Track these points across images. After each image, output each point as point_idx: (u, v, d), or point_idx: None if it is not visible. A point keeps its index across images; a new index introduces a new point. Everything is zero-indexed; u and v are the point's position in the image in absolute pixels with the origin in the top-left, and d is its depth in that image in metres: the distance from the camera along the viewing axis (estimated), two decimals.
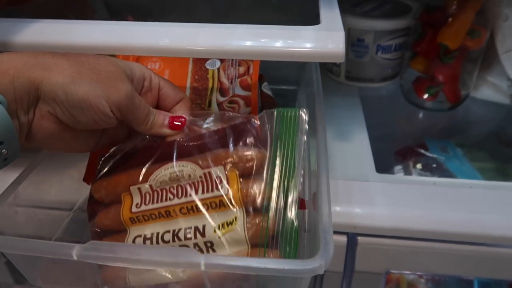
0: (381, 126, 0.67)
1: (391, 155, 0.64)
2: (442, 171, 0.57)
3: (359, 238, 0.43)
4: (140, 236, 0.30)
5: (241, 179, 0.29)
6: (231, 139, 0.30)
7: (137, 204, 0.30)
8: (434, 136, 0.65)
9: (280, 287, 0.29)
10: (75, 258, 0.26)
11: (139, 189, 0.31)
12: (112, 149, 0.33)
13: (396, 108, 0.68)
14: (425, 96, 0.61)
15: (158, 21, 0.34)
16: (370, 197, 0.44)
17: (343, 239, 0.43)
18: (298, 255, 0.29)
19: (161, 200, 0.30)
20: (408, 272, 0.47)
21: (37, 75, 0.27)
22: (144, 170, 0.31)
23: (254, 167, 0.29)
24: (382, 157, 0.61)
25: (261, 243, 0.28)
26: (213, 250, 0.29)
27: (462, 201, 0.44)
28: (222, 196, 0.29)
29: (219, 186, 0.29)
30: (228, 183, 0.29)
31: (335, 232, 0.43)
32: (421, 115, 0.65)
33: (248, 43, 0.30)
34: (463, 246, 0.42)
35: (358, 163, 0.49)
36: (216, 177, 0.29)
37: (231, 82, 0.45)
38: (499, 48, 0.55)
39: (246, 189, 0.29)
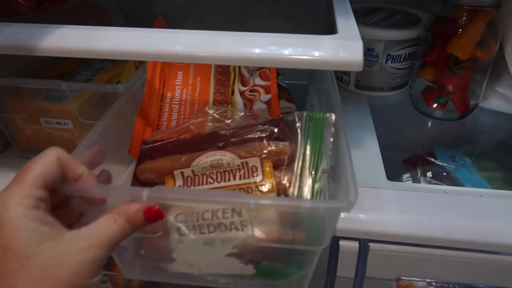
0: (390, 135, 0.68)
1: (399, 163, 0.64)
2: (450, 180, 0.57)
3: (370, 244, 0.44)
4: (181, 214, 0.32)
5: (275, 171, 0.33)
6: (265, 134, 0.34)
7: (179, 186, 0.34)
8: (442, 145, 0.65)
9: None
10: (145, 198, 0.29)
11: (181, 173, 0.34)
12: (153, 136, 0.37)
13: (405, 117, 0.69)
14: (435, 105, 0.62)
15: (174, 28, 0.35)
16: (381, 204, 0.45)
17: (355, 245, 0.44)
18: (321, 237, 0.32)
19: (202, 184, 0.33)
20: (418, 279, 0.47)
21: None
22: (187, 156, 0.34)
23: (286, 160, 0.33)
24: (390, 165, 0.61)
25: (289, 224, 0.32)
26: (247, 229, 0.31)
27: (472, 209, 0.44)
28: (257, 182, 0.32)
29: (255, 174, 0.32)
30: (262, 172, 0.33)
31: (347, 238, 0.44)
32: (429, 124, 0.66)
33: (271, 51, 0.31)
34: (473, 254, 0.42)
35: (369, 170, 0.50)
36: (252, 166, 0.33)
37: (251, 74, 0.48)
38: (508, 59, 0.56)
39: (278, 178, 0.33)
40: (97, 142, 0.38)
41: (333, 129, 0.35)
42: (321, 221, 0.32)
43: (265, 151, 0.33)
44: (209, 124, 0.38)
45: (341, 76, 0.69)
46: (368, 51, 0.64)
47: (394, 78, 0.66)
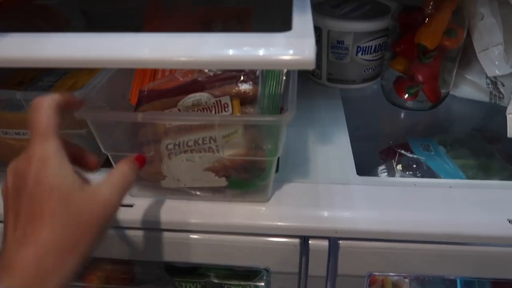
0: (364, 127, 0.67)
1: (375, 154, 0.64)
2: (424, 170, 0.57)
3: (340, 242, 0.43)
4: (171, 143, 0.41)
5: (241, 106, 0.41)
6: (234, 78, 0.42)
7: (168, 123, 0.41)
8: (417, 135, 0.65)
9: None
10: (139, 120, 0.38)
11: (170, 111, 0.42)
12: (148, 87, 0.45)
13: (379, 108, 0.68)
14: (406, 96, 0.61)
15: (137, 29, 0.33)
16: (350, 201, 0.44)
17: (325, 243, 0.43)
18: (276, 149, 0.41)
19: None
20: (391, 274, 0.47)
21: None
22: (174, 98, 0.42)
23: (250, 97, 0.42)
24: (366, 157, 0.61)
25: (252, 146, 0.41)
26: (220, 151, 0.41)
27: (441, 201, 0.44)
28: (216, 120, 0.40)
29: (226, 109, 0.41)
30: (232, 106, 0.41)
31: (317, 237, 0.43)
32: (403, 114, 0.66)
33: (219, 53, 0.29)
34: (443, 246, 0.42)
35: (340, 166, 0.50)
36: (224, 103, 0.41)
37: None
38: (476, 46, 0.55)
39: (244, 111, 0.41)
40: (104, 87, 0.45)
41: (284, 78, 0.43)
42: (274, 134, 0.40)
43: (234, 91, 0.41)
44: (195, 74, 0.46)
45: (313, 70, 0.69)
46: (338, 44, 0.63)
47: (366, 70, 0.65)
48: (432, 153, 0.60)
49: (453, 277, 0.49)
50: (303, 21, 0.35)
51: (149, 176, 0.44)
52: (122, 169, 0.35)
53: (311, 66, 0.30)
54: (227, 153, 0.41)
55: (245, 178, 0.44)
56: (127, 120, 0.42)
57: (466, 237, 0.41)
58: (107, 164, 0.50)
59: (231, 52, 0.29)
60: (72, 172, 0.31)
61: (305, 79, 0.70)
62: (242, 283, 0.59)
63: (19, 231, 0.30)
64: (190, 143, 0.41)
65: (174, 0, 0.61)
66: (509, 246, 0.41)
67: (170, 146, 0.41)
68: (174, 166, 0.43)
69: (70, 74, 0.57)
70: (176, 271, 0.60)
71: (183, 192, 0.46)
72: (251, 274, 0.58)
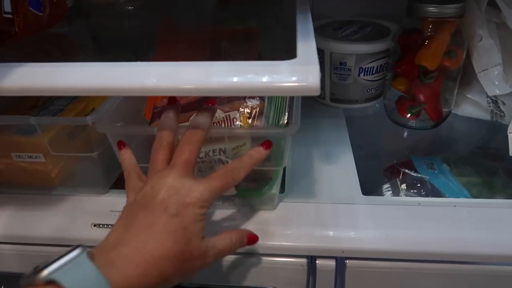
0: (368, 145, 0.68)
1: (379, 173, 0.65)
2: (428, 189, 0.57)
3: (347, 261, 0.44)
4: None
5: (249, 119, 0.44)
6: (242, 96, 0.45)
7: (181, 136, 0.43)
8: (420, 153, 0.66)
9: None
10: (155, 133, 0.39)
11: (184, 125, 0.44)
12: (161, 103, 0.47)
13: (382, 127, 0.69)
14: (408, 115, 0.62)
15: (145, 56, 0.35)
16: (356, 220, 0.45)
17: (332, 263, 0.44)
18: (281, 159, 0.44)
19: None
20: None
21: None
22: (186, 114, 0.45)
23: (257, 112, 0.44)
24: (371, 175, 0.62)
25: None
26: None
27: (446, 220, 0.45)
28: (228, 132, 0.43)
29: (235, 123, 0.44)
30: (240, 121, 0.44)
31: (324, 257, 0.44)
32: (406, 133, 0.67)
33: (226, 81, 0.31)
34: (448, 265, 0.42)
35: (344, 185, 0.50)
36: (233, 117, 0.44)
37: None
38: (476, 67, 0.57)
39: (251, 125, 0.44)
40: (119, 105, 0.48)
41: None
42: (280, 145, 0.43)
43: (242, 106, 0.44)
44: None
45: None
46: (340, 65, 0.64)
47: (368, 90, 0.67)
48: (436, 171, 0.61)
49: None
50: (307, 48, 0.36)
51: None
52: (230, 241, 0.38)
53: (316, 93, 0.31)
54: None
55: (253, 188, 0.47)
56: (143, 133, 0.46)
57: (472, 256, 0.42)
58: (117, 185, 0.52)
59: (239, 80, 0.31)
60: (203, 218, 0.35)
61: (309, 99, 0.72)
62: None
63: (128, 234, 0.32)
64: (202, 155, 0.44)
65: (185, 20, 0.63)
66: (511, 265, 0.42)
67: None
68: None
69: (81, 98, 0.58)
70: None
71: None
72: None
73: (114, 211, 0.48)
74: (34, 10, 0.42)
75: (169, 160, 0.37)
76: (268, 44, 0.60)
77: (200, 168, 0.45)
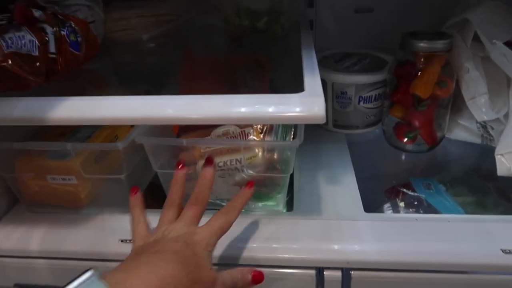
0: (369, 168, 0.73)
1: (380, 193, 0.69)
2: (425, 207, 0.62)
3: (352, 272, 0.48)
4: None
5: (261, 134, 0.52)
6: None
7: (204, 148, 0.52)
8: (418, 175, 0.71)
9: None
10: (184, 144, 0.49)
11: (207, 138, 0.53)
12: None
13: (382, 151, 0.74)
14: (405, 140, 0.68)
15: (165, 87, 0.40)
16: (359, 235, 0.50)
17: (338, 274, 0.48)
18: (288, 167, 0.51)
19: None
20: None
21: None
22: (208, 130, 0.52)
23: (268, 128, 0.52)
24: (372, 195, 0.66)
25: (270, 167, 0.52)
26: (245, 171, 0.51)
27: (441, 234, 0.49)
28: (245, 144, 0.51)
29: (249, 137, 0.51)
30: (254, 135, 0.51)
31: (330, 268, 0.48)
32: (403, 156, 0.72)
33: (247, 111, 0.37)
34: (443, 275, 0.47)
35: (347, 204, 0.55)
36: (247, 132, 0.51)
37: None
38: (465, 95, 0.62)
39: (263, 139, 0.50)
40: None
41: None
42: (287, 156, 0.51)
43: (254, 124, 0.52)
44: None
45: None
46: (342, 94, 0.70)
47: (368, 117, 0.72)
48: (432, 191, 0.65)
49: None
50: (313, 82, 0.42)
51: (187, 191, 0.53)
52: (237, 276, 0.40)
53: (322, 121, 0.37)
54: (250, 172, 0.52)
55: (264, 191, 0.54)
56: (174, 144, 0.52)
57: (464, 265, 0.46)
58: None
59: (256, 110, 0.37)
60: (211, 254, 0.39)
61: (314, 126, 0.77)
62: None
63: (139, 263, 0.35)
64: (221, 164, 0.51)
65: (202, 53, 0.69)
66: (503, 274, 0.46)
67: None
68: None
69: (105, 126, 0.64)
70: None
71: (214, 203, 0.56)
72: None
73: None
74: (73, 50, 0.49)
75: (177, 217, 0.42)
76: (277, 71, 0.66)
77: (220, 175, 0.52)
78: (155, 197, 0.59)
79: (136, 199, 0.45)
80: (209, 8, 0.72)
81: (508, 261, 0.45)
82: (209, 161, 0.45)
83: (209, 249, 0.39)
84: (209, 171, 0.44)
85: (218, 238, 0.41)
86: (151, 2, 0.68)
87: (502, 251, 0.46)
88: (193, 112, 0.37)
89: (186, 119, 0.38)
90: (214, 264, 0.49)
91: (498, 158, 0.55)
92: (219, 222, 0.41)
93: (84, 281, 0.31)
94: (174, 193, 0.44)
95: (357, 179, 0.60)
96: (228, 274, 0.40)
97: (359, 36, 0.83)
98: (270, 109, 0.37)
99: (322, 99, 0.38)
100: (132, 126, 0.62)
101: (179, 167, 0.45)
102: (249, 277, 0.41)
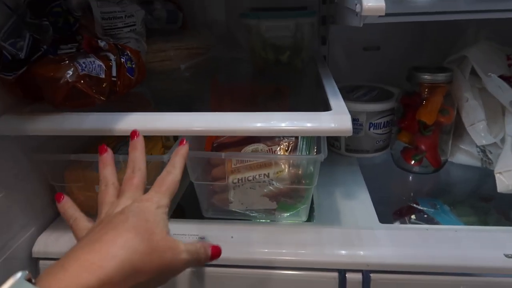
0: (379, 189, 0.79)
1: (389, 214, 0.75)
2: (434, 223, 0.68)
3: (372, 275, 0.53)
4: (235, 178, 0.57)
5: (286, 152, 0.58)
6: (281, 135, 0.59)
7: (235, 163, 0.57)
8: (424, 195, 0.77)
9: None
10: (223, 157, 0.55)
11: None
12: (217, 141, 0.61)
13: (390, 173, 0.81)
14: (412, 162, 0.75)
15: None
16: (377, 241, 0.55)
17: (359, 276, 0.53)
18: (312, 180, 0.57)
19: (247, 161, 0.57)
20: None
21: None
22: (238, 147, 0.59)
23: (292, 146, 0.58)
24: (383, 215, 0.72)
25: (295, 180, 0.57)
26: (273, 184, 0.57)
27: (449, 241, 0.55)
28: (277, 158, 0.57)
29: (276, 153, 0.57)
30: (281, 153, 0.57)
31: (352, 271, 0.54)
32: (410, 178, 0.78)
33: (288, 125, 0.44)
34: (453, 277, 0.52)
35: (364, 216, 0.61)
36: (274, 150, 0.58)
37: None
38: (465, 122, 0.70)
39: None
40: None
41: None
42: (311, 169, 0.57)
43: (281, 142, 0.58)
44: None
45: (333, 143, 0.83)
46: (354, 121, 0.78)
47: (377, 142, 0.80)
48: (438, 210, 0.72)
49: None
50: (338, 103, 0.50)
51: (219, 201, 0.61)
52: (200, 249, 0.39)
53: (349, 133, 0.44)
54: (278, 184, 0.57)
55: (290, 203, 0.60)
56: (214, 156, 0.58)
57: (471, 268, 0.52)
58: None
59: (296, 124, 0.44)
60: (165, 215, 0.38)
61: (328, 150, 0.84)
62: None
63: (95, 235, 0.33)
64: (250, 178, 0.57)
65: (229, 82, 0.77)
66: (506, 276, 0.51)
67: (235, 181, 0.58)
68: (240, 193, 0.59)
69: (147, 140, 0.71)
70: None
71: (243, 214, 0.61)
72: None
73: (176, 234, 0.58)
74: (129, 75, 0.56)
75: (118, 196, 0.40)
76: (294, 99, 0.73)
77: (251, 186, 0.58)
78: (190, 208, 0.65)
79: (64, 204, 0.43)
80: (235, 43, 0.81)
81: (511, 265, 0.51)
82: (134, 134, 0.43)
83: (162, 211, 0.37)
84: (138, 140, 0.43)
85: (170, 199, 0.39)
86: (185, 36, 0.76)
87: (505, 255, 0.52)
88: (244, 125, 0.44)
89: (242, 131, 0.46)
90: (246, 267, 0.55)
91: (497, 176, 0.62)
92: (164, 183, 0.39)
93: (13, 285, 0.28)
94: (107, 174, 0.42)
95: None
96: (192, 246, 0.38)
97: (367, 71, 0.92)
98: (308, 124, 0.44)
99: (348, 116, 0.45)
100: (162, 142, 0.69)
101: (103, 151, 0.44)
102: (209, 250, 0.40)
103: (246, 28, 0.75)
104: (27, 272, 0.29)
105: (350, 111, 0.78)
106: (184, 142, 0.44)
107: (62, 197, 0.43)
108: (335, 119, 0.45)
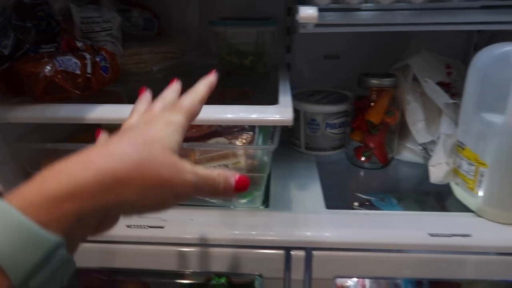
0: (335, 184, 0.87)
1: (342, 201, 0.82)
2: (374, 208, 0.75)
3: (313, 252, 0.61)
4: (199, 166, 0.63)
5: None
6: (240, 128, 0.66)
7: (198, 155, 0.63)
8: (374, 190, 0.85)
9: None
10: (185, 147, 0.62)
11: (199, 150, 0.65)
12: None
13: (344, 170, 0.89)
14: (362, 158, 0.83)
15: None
16: (321, 223, 0.63)
17: (302, 253, 0.61)
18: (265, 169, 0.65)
19: (209, 153, 0.63)
20: (352, 277, 0.64)
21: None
22: (203, 140, 0.64)
23: (250, 139, 0.64)
24: (332, 207, 0.79)
25: (250, 170, 0.64)
26: None
27: (383, 223, 0.63)
28: (236, 151, 0.63)
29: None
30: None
31: (296, 248, 0.61)
32: (362, 174, 0.86)
33: (239, 115, 0.51)
34: (383, 254, 0.59)
35: (313, 203, 0.69)
36: (233, 143, 0.62)
37: None
38: (408, 122, 0.78)
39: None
40: None
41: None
42: (265, 159, 0.65)
43: (240, 136, 0.64)
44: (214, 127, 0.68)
45: (294, 141, 0.91)
46: (312, 121, 0.86)
47: (333, 141, 0.88)
48: (387, 203, 0.79)
49: (398, 279, 0.65)
50: (285, 99, 0.57)
51: None
52: (219, 176, 0.35)
53: (290, 123, 0.52)
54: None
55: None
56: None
57: (400, 245, 0.59)
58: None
59: (245, 115, 0.51)
60: (176, 130, 0.34)
61: (288, 148, 0.92)
62: None
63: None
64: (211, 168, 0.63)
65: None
66: (430, 252, 0.59)
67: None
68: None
69: None
70: None
71: (204, 200, 0.67)
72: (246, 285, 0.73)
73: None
74: (103, 73, 0.63)
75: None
76: (258, 100, 0.81)
77: None
78: None
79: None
80: (207, 49, 0.89)
81: (434, 242, 0.59)
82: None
83: (172, 129, 0.34)
84: (173, 85, 0.41)
85: (185, 117, 0.36)
86: (160, 42, 0.84)
87: (430, 234, 0.60)
88: (202, 115, 0.51)
89: (200, 120, 0.51)
90: (203, 245, 0.61)
91: (430, 169, 0.70)
92: (181, 102, 0.37)
93: None
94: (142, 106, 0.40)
95: (324, 193, 0.73)
96: (205, 170, 0.34)
97: (327, 78, 1.00)
98: (255, 115, 0.52)
99: (290, 109, 0.53)
100: None
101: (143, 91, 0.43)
102: (232, 180, 0.36)
103: (214, 34, 0.83)
104: None
105: (308, 112, 0.87)
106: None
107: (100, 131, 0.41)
108: (280, 111, 0.52)
